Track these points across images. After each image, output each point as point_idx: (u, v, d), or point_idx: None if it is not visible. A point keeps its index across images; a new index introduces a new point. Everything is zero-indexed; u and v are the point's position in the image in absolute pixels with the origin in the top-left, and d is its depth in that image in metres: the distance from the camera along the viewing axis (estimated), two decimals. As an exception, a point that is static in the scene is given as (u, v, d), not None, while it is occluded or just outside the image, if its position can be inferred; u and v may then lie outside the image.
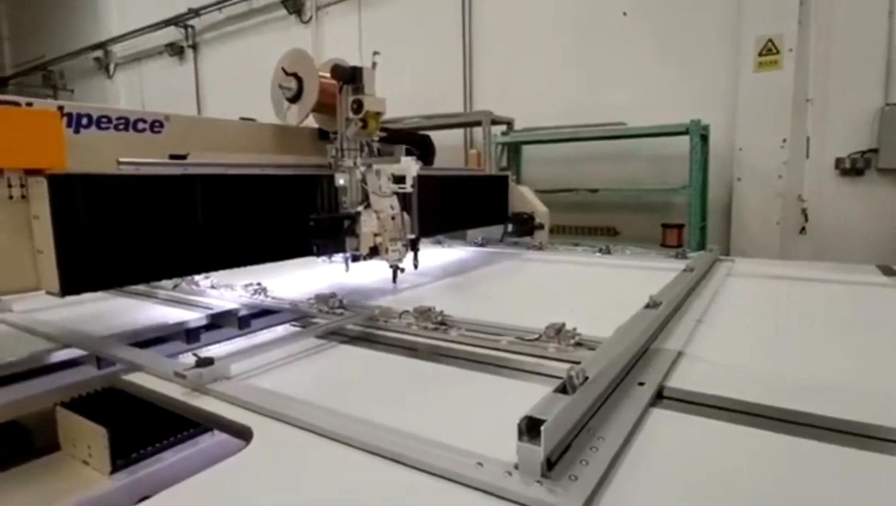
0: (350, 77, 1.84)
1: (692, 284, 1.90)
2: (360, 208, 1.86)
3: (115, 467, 1.21)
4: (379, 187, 1.91)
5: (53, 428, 1.32)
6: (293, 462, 0.85)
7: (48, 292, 1.31)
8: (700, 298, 1.82)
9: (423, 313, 1.51)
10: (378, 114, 1.88)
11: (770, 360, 1.30)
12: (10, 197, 1.28)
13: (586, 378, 0.87)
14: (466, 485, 0.75)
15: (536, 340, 1.30)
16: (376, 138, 1.97)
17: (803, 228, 4.65)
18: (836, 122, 4.46)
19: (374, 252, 1.89)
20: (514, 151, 5.73)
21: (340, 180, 1.89)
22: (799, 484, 0.79)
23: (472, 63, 6.37)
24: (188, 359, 1.22)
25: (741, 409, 0.99)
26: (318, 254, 1.84)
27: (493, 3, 6.16)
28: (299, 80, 1.96)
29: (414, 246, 2.08)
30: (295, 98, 1.97)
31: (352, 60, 2.01)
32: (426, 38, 6.50)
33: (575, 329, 1.32)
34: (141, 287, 2.14)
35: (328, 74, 1.92)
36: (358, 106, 1.84)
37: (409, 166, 1.92)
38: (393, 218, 1.92)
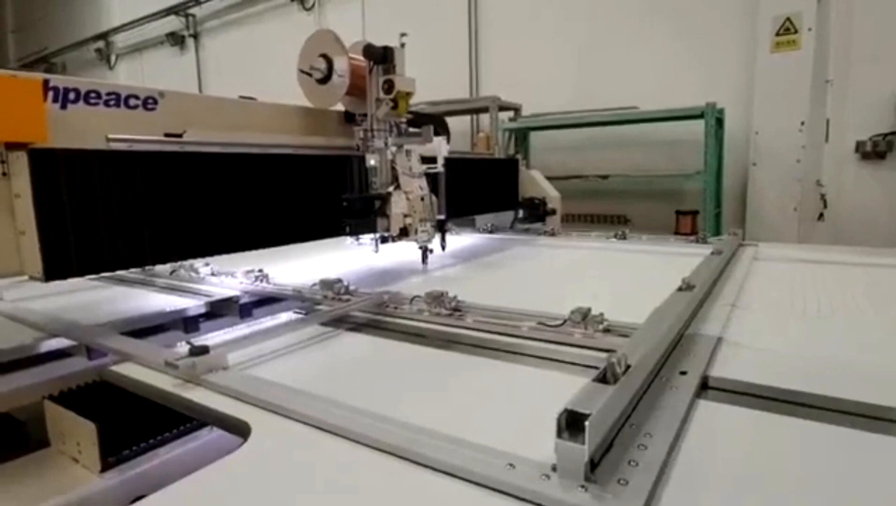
0: (382, 57, 1.82)
1: (721, 267, 1.79)
2: (390, 189, 1.84)
3: (106, 465, 1.13)
4: (409, 168, 1.89)
5: (44, 422, 1.23)
6: (295, 461, 0.75)
7: (31, 277, 1.21)
8: (730, 282, 1.71)
9: (436, 299, 1.40)
10: (409, 94, 1.85)
11: (816, 346, 1.20)
12: (-10, 174, 1.18)
13: (629, 366, 0.76)
14: (495, 489, 0.65)
15: (561, 326, 1.19)
16: (404, 119, 1.94)
17: (821, 215, 4.51)
18: (857, 104, 4.31)
19: (403, 233, 1.88)
20: (521, 137, 5.60)
21: (371, 161, 1.87)
22: (875, 480, 0.69)
23: (479, 48, 6.24)
24: (183, 349, 1.12)
25: (798, 400, 0.88)
26: (351, 234, 1.86)
27: (500, -15, 6.01)
28: (329, 61, 1.90)
29: (441, 227, 2.06)
30: (324, 79, 1.90)
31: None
32: (431, 24, 6.35)
33: (602, 314, 1.21)
34: (137, 275, 2.05)
35: (356, 56, 1.88)
36: (389, 86, 1.81)
37: (441, 146, 1.94)
38: (422, 199, 1.91)
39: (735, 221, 4.77)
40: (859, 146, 4.32)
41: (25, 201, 1.18)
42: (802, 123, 4.33)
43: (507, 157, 5.04)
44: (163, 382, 1.00)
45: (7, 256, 1.21)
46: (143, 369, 1.09)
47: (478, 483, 0.66)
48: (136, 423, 1.17)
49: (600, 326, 1.17)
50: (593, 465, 0.65)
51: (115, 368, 1.11)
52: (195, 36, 8.98)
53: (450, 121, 4.07)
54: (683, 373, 0.95)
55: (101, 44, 10.25)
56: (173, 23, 9.03)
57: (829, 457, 0.75)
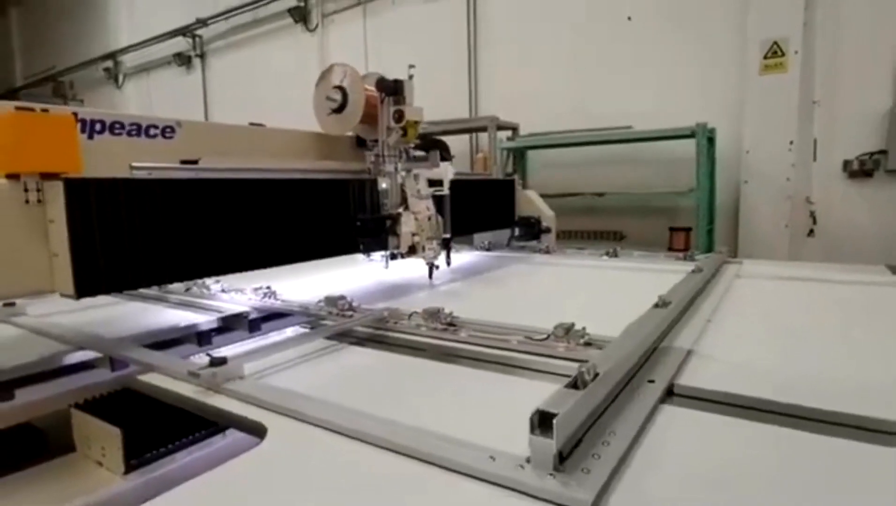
0: (393, 90, 1.99)
1: (701, 284, 1.90)
2: (399, 210, 2.00)
3: (129, 468, 1.23)
4: (417, 191, 2.05)
5: (67, 429, 1.33)
6: (308, 458, 0.87)
7: (63, 295, 1.32)
8: (709, 299, 1.82)
9: (433, 315, 1.52)
10: (417, 122, 2.02)
11: (780, 357, 1.30)
12: (27, 201, 1.30)
13: (597, 374, 0.87)
14: (479, 478, 0.76)
15: (545, 339, 1.31)
16: (412, 144, 2.11)
17: (811, 231, 4.63)
18: (844, 124, 4.46)
19: (412, 250, 2.03)
20: (519, 155, 5.74)
21: (383, 184, 2.04)
22: (808, 477, 0.80)
23: (478, 68, 6.41)
24: (201, 360, 1.23)
25: (751, 405, 0.99)
26: (365, 251, 2.02)
27: (498, 8, 6.20)
28: (343, 92, 2.06)
29: (447, 245, 2.21)
30: (339, 109, 2.07)
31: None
32: (431, 45, 6.54)
33: (584, 329, 1.33)
34: (152, 291, 2.17)
35: (369, 87, 2.06)
36: (399, 116, 1.98)
37: (446, 171, 2.12)
38: (429, 219, 2.07)
39: (728, 238, 4.90)
40: (847, 165, 4.46)
41: (59, 226, 1.29)
42: (791, 143, 4.48)
43: (506, 175, 5.19)
44: (186, 389, 1.12)
45: (41, 275, 1.32)
46: (165, 379, 1.20)
47: (464, 473, 0.78)
48: (156, 429, 1.27)
49: (581, 340, 1.29)
50: (562, 457, 0.76)
51: (140, 377, 1.22)
52: (202, 56, 9.20)
53: (449, 140, 4.26)
54: (651, 381, 1.06)
55: (109, 63, 10.47)
56: (180, 43, 9.26)
57: (777, 456, 0.86)
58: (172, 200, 1.49)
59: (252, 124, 2.19)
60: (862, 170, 4.41)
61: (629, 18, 5.34)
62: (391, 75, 2.11)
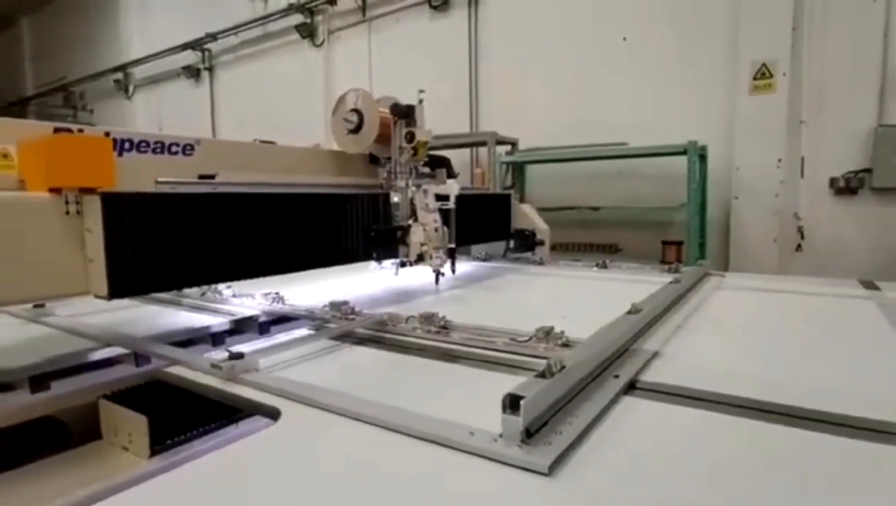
0: (405, 113, 2.22)
1: (677, 294, 2.05)
2: (409, 222, 2.21)
3: (153, 453, 1.37)
4: (426, 204, 2.26)
5: (89, 421, 1.47)
6: (315, 436, 1.02)
7: (97, 296, 1.48)
8: (684, 308, 1.97)
9: (428, 319, 1.67)
10: (426, 142, 2.24)
11: (744, 361, 1.44)
12: (67, 213, 1.46)
13: (563, 366, 1.03)
14: (460, 450, 0.91)
15: (528, 341, 1.46)
16: (421, 162, 2.33)
17: (799, 246, 4.78)
18: (831, 143, 4.62)
19: (420, 259, 2.24)
20: (518, 169, 5.92)
21: (395, 198, 2.26)
22: (746, 456, 0.94)
23: (478, 84, 6.61)
24: (224, 354, 1.38)
25: (703, 397, 1.14)
26: (378, 259, 2.24)
27: (498, 26, 6.42)
28: (360, 114, 2.29)
29: (452, 254, 2.40)
30: (356, 129, 2.29)
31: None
32: (433, 61, 6.75)
33: (563, 332, 1.48)
34: (168, 295, 2.32)
35: (383, 110, 2.27)
36: (410, 137, 2.20)
37: (453, 187, 2.33)
38: (436, 230, 2.27)
39: (720, 251, 5.05)
40: (833, 182, 4.62)
41: (96, 235, 1.45)
42: (779, 160, 4.65)
43: (504, 189, 5.36)
44: (208, 380, 1.27)
45: (78, 279, 1.48)
46: (188, 371, 1.35)
47: (448, 446, 0.93)
48: (177, 419, 1.42)
49: (559, 341, 1.44)
50: (529, 433, 0.91)
51: (168, 369, 1.37)
52: (210, 69, 9.43)
53: (450, 154, 4.45)
54: (616, 376, 1.21)
55: (119, 75, 10.72)
56: (189, 56, 9.50)
57: (723, 439, 1.00)
58: (194, 212, 1.65)
59: (262, 142, 2.37)
60: (848, 187, 4.57)
61: (624, 39, 5.54)
62: (394, 88, 2.31)
